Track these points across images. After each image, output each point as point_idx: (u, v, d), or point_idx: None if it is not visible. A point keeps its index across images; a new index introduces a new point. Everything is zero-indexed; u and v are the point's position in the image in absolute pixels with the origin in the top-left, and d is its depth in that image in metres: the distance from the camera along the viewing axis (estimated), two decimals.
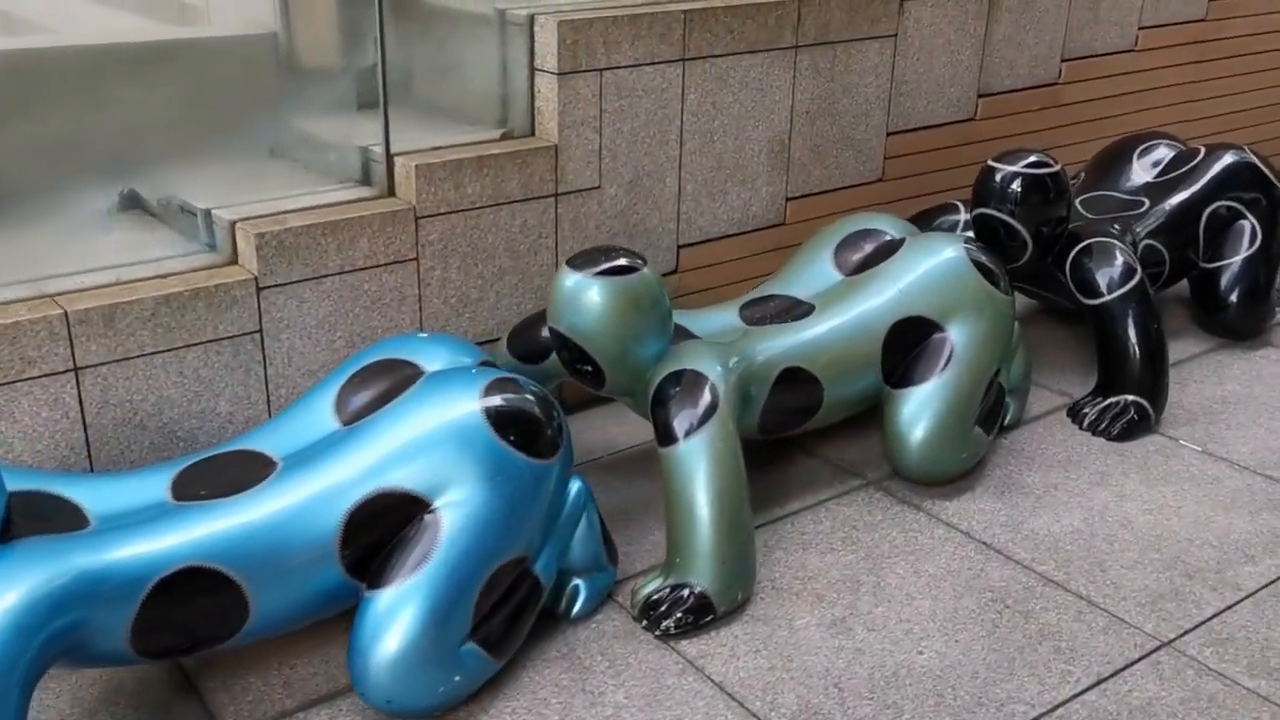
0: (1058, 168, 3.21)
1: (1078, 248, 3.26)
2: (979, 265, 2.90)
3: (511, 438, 2.16)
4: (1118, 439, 3.12)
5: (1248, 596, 2.51)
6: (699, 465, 2.38)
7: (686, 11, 3.09)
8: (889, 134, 3.67)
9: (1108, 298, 3.17)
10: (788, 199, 3.50)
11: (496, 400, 2.17)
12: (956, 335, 2.83)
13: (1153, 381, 3.16)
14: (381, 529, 2.09)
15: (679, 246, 3.32)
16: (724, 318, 2.88)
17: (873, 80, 3.55)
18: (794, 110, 3.40)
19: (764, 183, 3.42)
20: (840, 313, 2.84)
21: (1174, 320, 3.79)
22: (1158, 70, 4.36)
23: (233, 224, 2.62)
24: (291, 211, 2.69)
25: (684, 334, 2.72)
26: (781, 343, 2.74)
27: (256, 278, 2.56)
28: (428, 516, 2.09)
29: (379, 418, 2.17)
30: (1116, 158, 3.85)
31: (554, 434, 2.25)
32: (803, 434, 2.91)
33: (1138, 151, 3.82)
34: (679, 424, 2.42)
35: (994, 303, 2.90)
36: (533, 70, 2.99)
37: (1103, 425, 3.14)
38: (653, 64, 3.07)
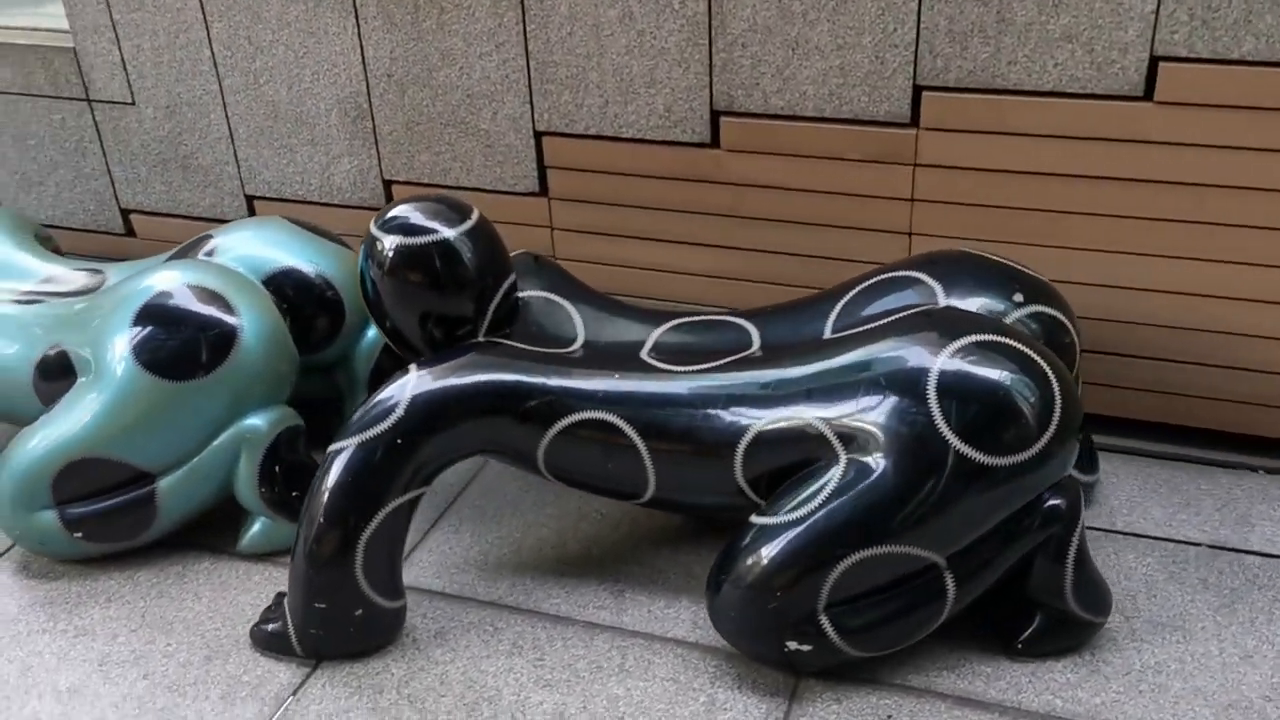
0: (452, 234, 2.00)
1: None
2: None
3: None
4: None
5: None
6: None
7: None
8: (540, 134, 2.57)
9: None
10: (387, 181, 2.75)
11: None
12: None
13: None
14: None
15: (249, 197, 2.90)
16: None
17: (493, 53, 2.52)
18: (369, 70, 2.64)
19: (343, 152, 2.75)
20: None
21: None
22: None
23: None
24: None
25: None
26: None
27: None
28: None
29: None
30: (835, 290, 2.15)
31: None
32: None
33: (867, 286, 2.10)
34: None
35: None
36: None
37: None
38: None
